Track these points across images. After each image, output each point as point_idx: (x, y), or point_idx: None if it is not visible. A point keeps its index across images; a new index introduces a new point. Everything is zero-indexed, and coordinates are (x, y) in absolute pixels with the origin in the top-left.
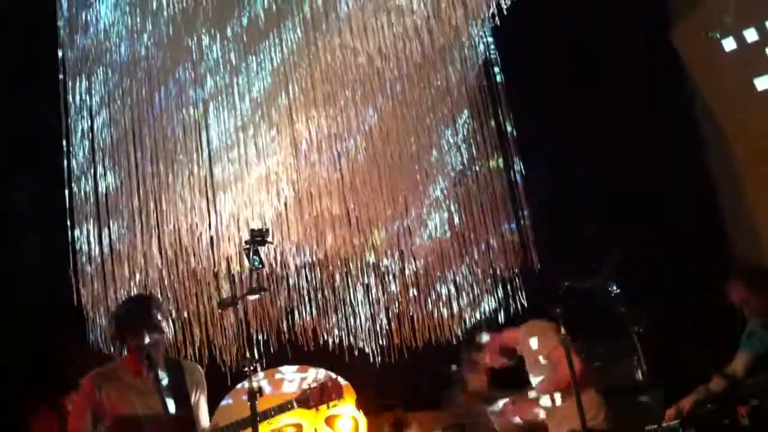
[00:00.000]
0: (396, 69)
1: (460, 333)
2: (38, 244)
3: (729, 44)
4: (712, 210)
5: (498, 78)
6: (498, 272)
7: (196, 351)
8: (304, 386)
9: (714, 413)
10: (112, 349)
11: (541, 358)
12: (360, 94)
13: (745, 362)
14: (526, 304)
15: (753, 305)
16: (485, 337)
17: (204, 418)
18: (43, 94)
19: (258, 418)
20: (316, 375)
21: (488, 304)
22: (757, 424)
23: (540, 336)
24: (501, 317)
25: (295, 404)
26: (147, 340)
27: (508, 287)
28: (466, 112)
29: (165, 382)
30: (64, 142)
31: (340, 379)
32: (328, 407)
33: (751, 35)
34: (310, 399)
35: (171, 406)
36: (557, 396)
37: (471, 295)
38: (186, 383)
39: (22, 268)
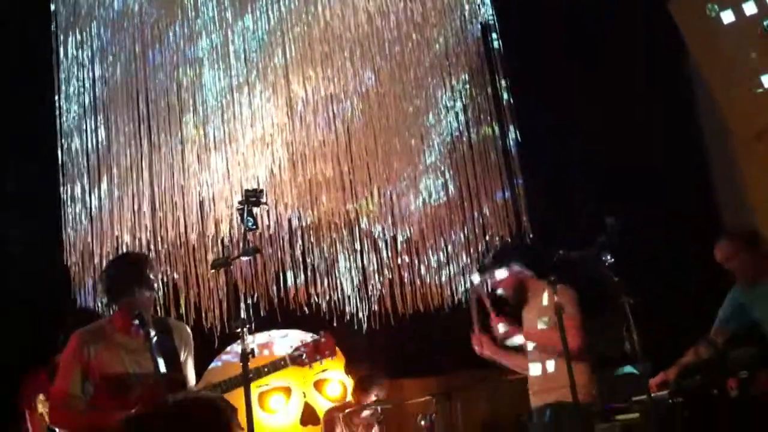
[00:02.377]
0: (395, 30)
1: (450, 302)
2: (26, 205)
3: (727, 17)
4: (707, 185)
5: (495, 44)
6: (490, 240)
7: (186, 312)
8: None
9: (703, 384)
10: (99, 308)
11: (546, 318)
12: (358, 55)
13: (725, 336)
14: None
15: (740, 265)
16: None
17: (191, 378)
18: (35, 52)
19: (251, 376)
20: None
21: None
22: (746, 396)
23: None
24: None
25: (288, 361)
26: (139, 298)
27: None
28: (463, 77)
29: (156, 340)
30: (56, 98)
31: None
32: (321, 364)
33: (750, 8)
34: (304, 356)
35: (161, 365)
36: (549, 363)
37: (462, 263)
38: (174, 342)
39: (9, 230)
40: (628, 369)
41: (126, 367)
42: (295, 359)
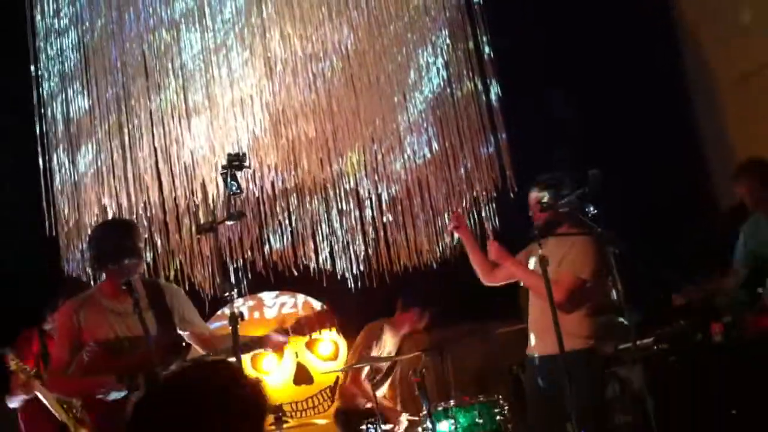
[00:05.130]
0: None
1: (439, 257)
2: (9, 172)
3: None
4: (692, 132)
5: None
6: (475, 195)
7: (175, 277)
8: (284, 311)
9: (687, 330)
10: (88, 276)
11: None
12: (335, 12)
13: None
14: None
15: (760, 197)
16: None
17: (203, 327)
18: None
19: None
20: (295, 301)
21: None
22: (730, 341)
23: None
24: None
25: (290, 332)
26: (127, 264)
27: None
28: (444, 32)
29: (146, 304)
30: (32, 67)
31: (319, 304)
32: (319, 335)
33: None
34: (305, 328)
35: (153, 327)
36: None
37: (448, 219)
38: (167, 303)
39: None
40: (616, 318)
41: (117, 332)
42: (297, 329)
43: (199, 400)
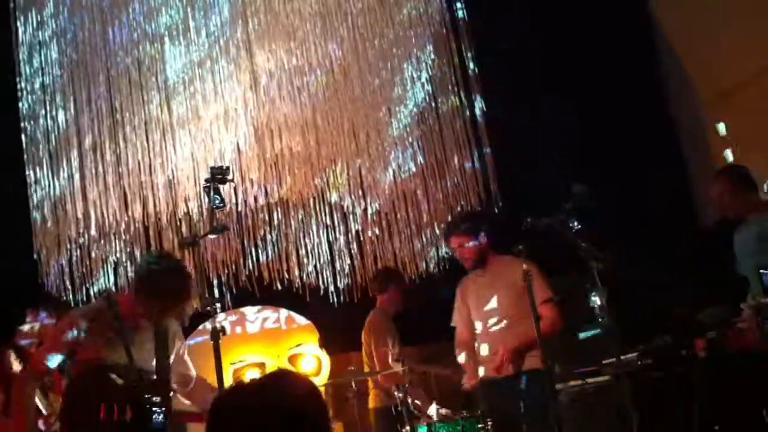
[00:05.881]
0: (358, 1)
1: (424, 273)
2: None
3: None
4: (674, 150)
5: (460, 14)
6: (461, 210)
7: None
8: (266, 326)
9: (671, 345)
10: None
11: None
12: (321, 27)
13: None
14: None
15: (731, 203)
16: None
17: (191, 366)
18: None
19: None
20: (278, 315)
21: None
22: (714, 357)
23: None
24: None
25: None
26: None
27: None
28: (428, 47)
29: (150, 335)
30: (17, 80)
31: (303, 319)
32: None
33: None
34: None
35: (149, 358)
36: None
37: (433, 234)
38: (169, 339)
39: None
40: (599, 332)
41: (111, 355)
42: None
43: (281, 407)
